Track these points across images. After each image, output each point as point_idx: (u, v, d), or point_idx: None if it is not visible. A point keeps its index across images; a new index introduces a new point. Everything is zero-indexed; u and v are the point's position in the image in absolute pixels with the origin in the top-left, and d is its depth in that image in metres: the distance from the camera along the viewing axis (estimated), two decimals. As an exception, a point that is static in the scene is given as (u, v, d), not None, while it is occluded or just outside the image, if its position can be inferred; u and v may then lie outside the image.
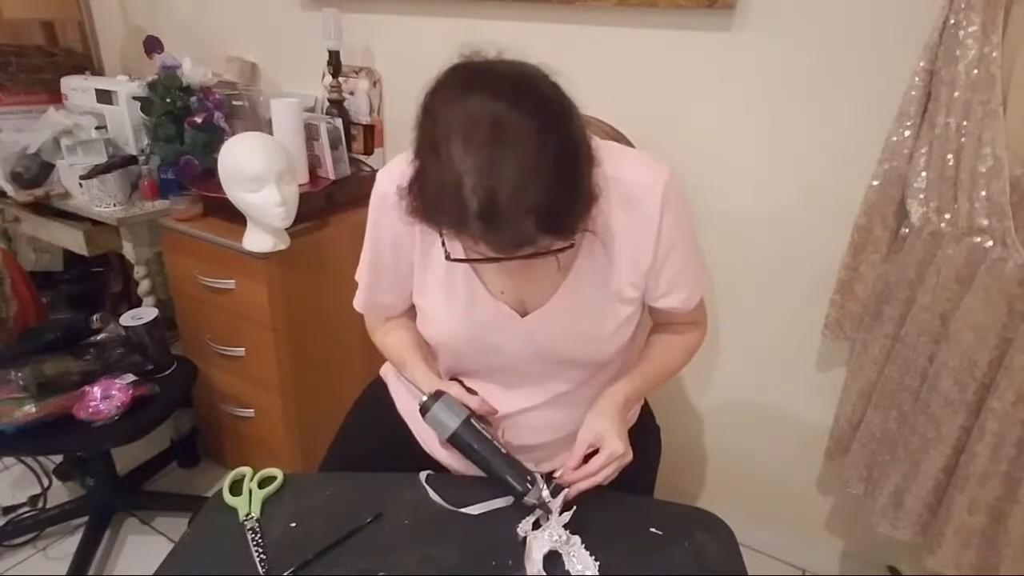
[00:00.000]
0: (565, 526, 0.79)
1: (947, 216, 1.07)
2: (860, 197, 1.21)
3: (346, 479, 0.94)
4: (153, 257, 1.74)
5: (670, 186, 0.83)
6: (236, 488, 0.88)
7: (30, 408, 1.36)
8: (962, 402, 1.08)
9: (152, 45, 1.74)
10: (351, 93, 1.77)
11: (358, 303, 1.01)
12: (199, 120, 1.64)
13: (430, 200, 0.67)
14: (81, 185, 1.60)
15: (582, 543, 0.79)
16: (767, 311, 1.46)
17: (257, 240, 1.43)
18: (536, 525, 0.81)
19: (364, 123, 1.79)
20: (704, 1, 1.27)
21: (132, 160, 1.67)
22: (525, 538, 0.79)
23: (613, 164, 0.76)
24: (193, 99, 1.68)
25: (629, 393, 0.91)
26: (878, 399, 1.23)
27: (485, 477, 0.88)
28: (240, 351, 1.60)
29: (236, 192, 1.38)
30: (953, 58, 1.01)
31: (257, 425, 1.69)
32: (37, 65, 2.01)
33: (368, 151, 1.81)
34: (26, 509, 1.69)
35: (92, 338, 1.59)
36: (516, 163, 0.61)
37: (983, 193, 1.01)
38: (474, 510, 0.85)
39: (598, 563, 0.76)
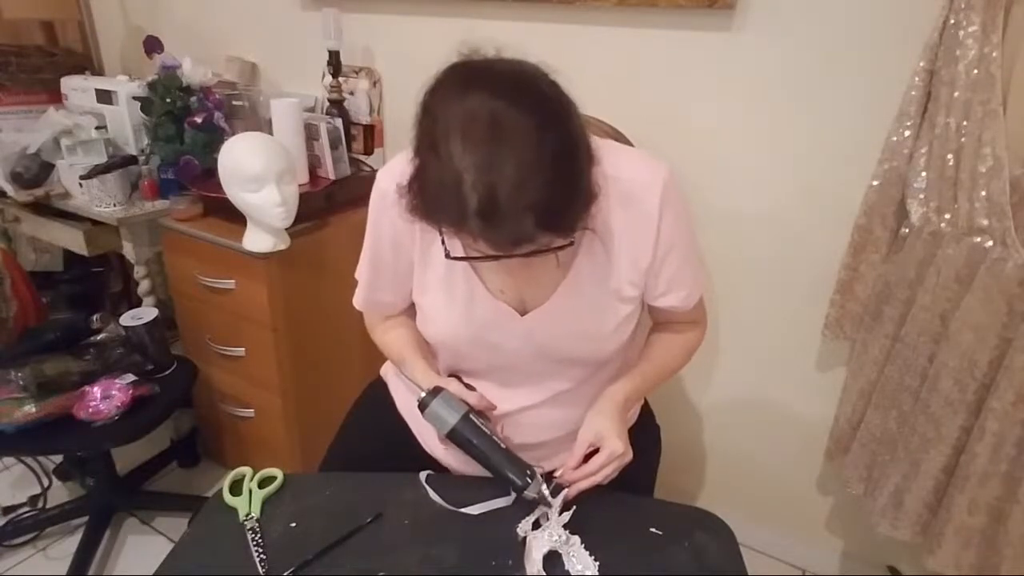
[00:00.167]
0: (565, 526, 0.79)
1: (947, 216, 1.07)
2: (860, 197, 1.21)
3: (346, 479, 0.94)
4: (153, 257, 1.74)
5: (669, 184, 0.83)
6: (236, 488, 0.88)
7: (30, 408, 1.36)
8: (962, 402, 1.08)
9: (152, 45, 1.74)
10: (351, 93, 1.77)
11: (358, 301, 1.01)
12: (199, 120, 1.64)
13: (430, 198, 0.67)
14: (81, 185, 1.60)
15: (582, 543, 0.79)
16: (767, 311, 1.46)
17: (257, 240, 1.43)
18: (536, 525, 0.81)
19: (364, 123, 1.79)
20: (704, 1, 1.27)
21: (132, 160, 1.67)
22: (525, 538, 0.79)
23: (612, 162, 0.76)
24: (193, 99, 1.68)
25: (629, 392, 0.91)
26: (878, 399, 1.23)
27: (485, 477, 0.88)
28: (240, 351, 1.60)
29: (236, 192, 1.38)
30: (953, 58, 1.01)
31: (257, 425, 1.69)
32: (37, 65, 2.01)
33: (368, 151, 1.81)
34: (26, 509, 1.69)
35: (92, 338, 1.59)
36: (515, 161, 0.61)
37: (983, 193, 1.01)
38: (474, 510, 0.85)
39: (598, 563, 0.76)
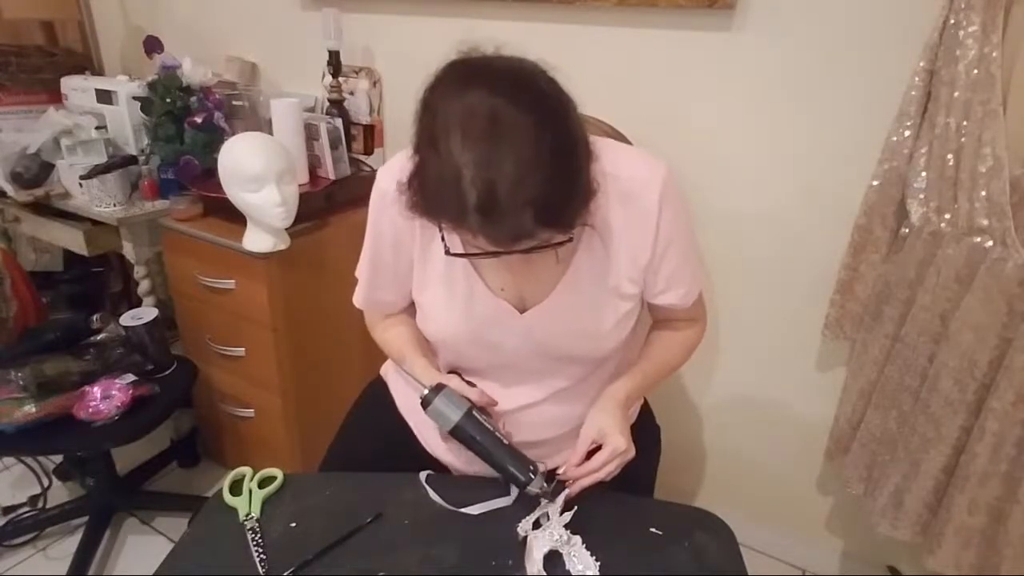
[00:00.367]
0: (566, 526, 0.79)
1: (947, 216, 1.07)
2: (860, 197, 1.21)
3: (346, 479, 0.94)
4: (153, 257, 1.74)
5: (668, 182, 0.84)
6: (236, 488, 0.88)
7: (30, 408, 1.36)
8: (962, 402, 1.08)
9: (152, 45, 1.74)
10: (351, 93, 1.77)
11: (358, 299, 1.02)
12: (199, 120, 1.64)
13: (429, 194, 0.67)
14: (81, 185, 1.60)
15: (582, 543, 0.79)
16: (767, 311, 1.46)
17: (257, 240, 1.43)
18: (536, 525, 0.81)
19: (364, 123, 1.79)
20: (704, 1, 1.27)
21: (132, 160, 1.67)
22: (525, 538, 0.79)
23: (611, 160, 0.76)
24: (193, 99, 1.68)
25: (631, 390, 0.92)
26: (878, 399, 1.23)
27: (485, 477, 0.88)
28: (240, 351, 1.60)
29: (236, 192, 1.38)
30: (953, 58, 1.01)
31: (257, 425, 1.69)
32: (37, 65, 2.01)
33: (368, 151, 1.81)
34: (26, 509, 1.69)
35: (92, 338, 1.59)
36: (514, 157, 0.62)
37: (983, 193, 1.01)
38: (474, 510, 0.85)
39: (598, 563, 0.76)
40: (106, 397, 1.42)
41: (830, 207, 1.29)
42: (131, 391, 1.45)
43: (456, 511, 0.85)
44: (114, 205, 1.60)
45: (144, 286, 1.75)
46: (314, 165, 1.62)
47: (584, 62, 1.41)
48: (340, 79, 1.71)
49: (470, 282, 0.87)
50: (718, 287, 1.49)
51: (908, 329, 1.14)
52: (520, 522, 0.81)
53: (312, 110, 1.79)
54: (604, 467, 0.83)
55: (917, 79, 1.08)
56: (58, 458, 1.82)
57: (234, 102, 1.77)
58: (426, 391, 0.86)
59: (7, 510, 1.68)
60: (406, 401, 1.05)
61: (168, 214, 1.61)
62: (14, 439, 1.37)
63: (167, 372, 1.61)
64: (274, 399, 1.61)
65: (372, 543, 0.81)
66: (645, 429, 1.06)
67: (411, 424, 1.04)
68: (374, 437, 1.07)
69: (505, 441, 0.85)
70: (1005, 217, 0.99)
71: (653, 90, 1.41)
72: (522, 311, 0.87)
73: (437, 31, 1.61)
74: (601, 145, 0.73)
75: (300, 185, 1.49)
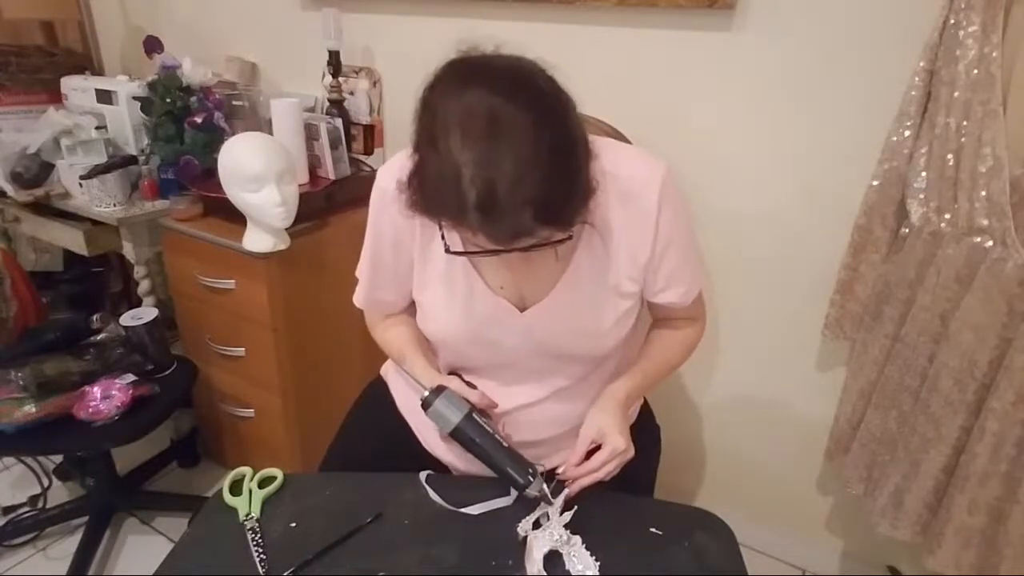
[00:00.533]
0: (566, 526, 0.79)
1: (947, 216, 1.07)
2: (860, 197, 1.21)
3: (346, 479, 0.94)
4: (153, 257, 1.74)
5: (667, 181, 0.84)
6: (236, 488, 0.88)
7: (30, 408, 1.36)
8: (962, 402, 1.08)
9: (152, 45, 1.74)
10: (351, 93, 1.77)
11: (358, 299, 1.02)
12: (199, 120, 1.64)
13: (429, 192, 0.67)
14: (81, 185, 1.60)
15: (583, 543, 0.79)
16: (767, 311, 1.46)
17: (257, 240, 1.43)
18: (536, 525, 0.81)
19: (364, 123, 1.79)
20: (704, 1, 1.27)
21: (132, 160, 1.67)
22: (525, 538, 0.79)
23: (611, 159, 0.76)
24: (193, 99, 1.68)
25: (630, 390, 0.92)
26: (878, 399, 1.23)
27: (485, 477, 0.88)
28: (240, 351, 1.60)
29: (236, 192, 1.38)
30: (953, 58, 1.01)
31: (257, 425, 1.69)
32: (37, 65, 2.01)
33: (368, 151, 1.81)
34: (26, 509, 1.69)
35: (92, 338, 1.59)
36: (513, 156, 0.62)
37: (983, 193, 1.01)
38: (474, 510, 0.85)
39: (598, 563, 0.76)
40: (106, 397, 1.42)
41: (830, 207, 1.29)
42: (131, 391, 1.45)
43: (456, 511, 0.85)
44: (114, 205, 1.60)
45: (144, 286, 1.75)
46: (314, 165, 1.62)
47: (584, 62, 1.41)
48: (340, 79, 1.71)
49: (470, 281, 0.87)
50: (718, 287, 1.49)
51: (908, 329, 1.14)
52: (520, 522, 0.81)
53: (312, 110, 1.79)
54: (603, 467, 0.83)
55: (917, 79, 1.08)
56: (58, 458, 1.82)
57: (234, 102, 1.77)
58: (427, 393, 0.86)
59: (7, 510, 1.68)
60: (406, 401, 1.05)
61: (168, 214, 1.61)
62: (14, 439, 1.37)
63: (167, 372, 1.61)
64: (274, 399, 1.61)
65: (372, 543, 0.81)
66: (645, 429, 1.06)
67: (411, 424, 1.04)
68: (374, 437, 1.07)
69: (505, 444, 0.85)
70: (1005, 217, 0.99)
71: (653, 90, 1.41)
72: (522, 310, 0.87)
73: (437, 31, 1.61)
74: (601, 144, 0.73)
75: (300, 185, 1.49)
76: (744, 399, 1.56)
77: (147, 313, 1.60)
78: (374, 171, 1.56)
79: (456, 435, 0.85)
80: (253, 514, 0.84)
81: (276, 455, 1.68)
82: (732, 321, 1.50)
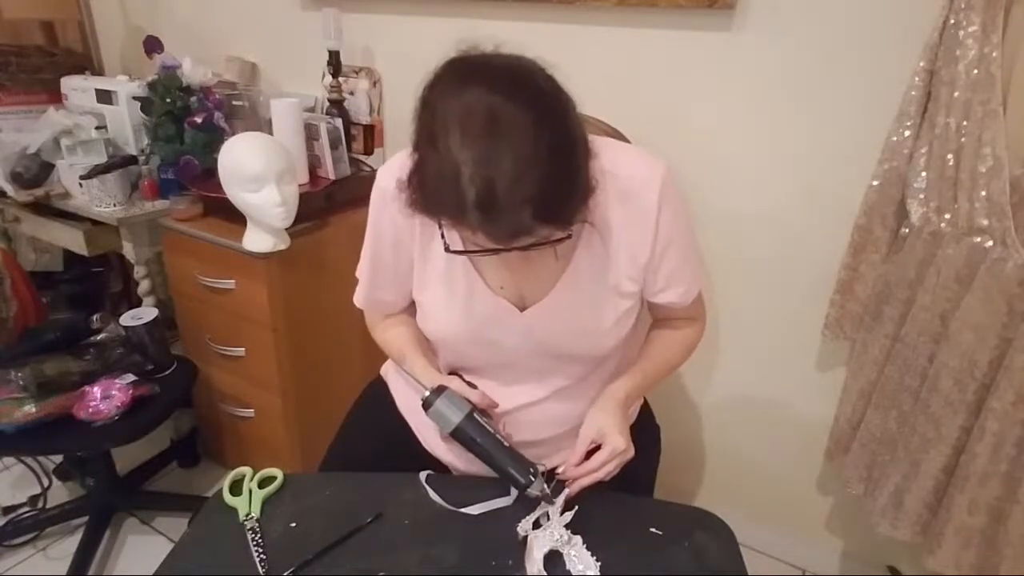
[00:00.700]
0: (566, 526, 0.79)
1: (947, 216, 1.07)
2: (860, 197, 1.21)
3: (346, 479, 0.94)
4: (153, 257, 1.74)
5: (667, 181, 0.84)
6: (236, 488, 0.88)
7: (30, 408, 1.36)
8: (962, 402, 1.08)
9: (152, 45, 1.74)
10: (351, 93, 1.77)
11: (358, 299, 1.02)
12: (199, 120, 1.64)
13: (429, 191, 0.67)
14: (81, 185, 1.60)
15: (583, 543, 0.78)
16: (767, 311, 1.46)
17: (257, 240, 1.43)
18: (536, 525, 0.81)
19: (364, 123, 1.79)
20: (704, 1, 1.27)
21: (132, 160, 1.67)
22: (525, 538, 0.79)
23: (610, 159, 0.76)
24: (193, 99, 1.68)
25: (630, 390, 0.92)
26: (878, 399, 1.23)
27: (485, 477, 0.88)
28: (240, 351, 1.60)
29: (236, 192, 1.38)
30: (953, 58, 1.01)
31: (257, 425, 1.69)
32: (37, 65, 2.01)
33: (368, 151, 1.81)
34: (26, 509, 1.69)
35: (92, 338, 1.59)
36: (512, 155, 0.62)
37: (983, 193, 1.01)
38: (474, 510, 0.85)
39: (599, 563, 0.76)
40: (106, 397, 1.42)
41: (830, 207, 1.29)
42: (131, 391, 1.45)
43: (456, 511, 0.85)
44: (114, 205, 1.60)
45: (144, 286, 1.75)
46: (314, 165, 1.62)
47: (584, 62, 1.41)
48: (340, 79, 1.71)
49: (470, 280, 0.87)
50: (718, 287, 1.49)
51: (908, 329, 1.14)
52: (520, 522, 0.81)
53: (312, 110, 1.79)
54: (603, 467, 0.83)
55: (917, 79, 1.08)
56: (58, 458, 1.82)
57: (234, 102, 1.77)
58: (427, 393, 0.86)
59: (7, 510, 1.68)
60: (406, 401, 1.05)
61: (168, 214, 1.61)
62: (14, 439, 1.37)
63: (167, 372, 1.61)
64: (274, 399, 1.61)
65: (372, 543, 0.81)
66: (645, 429, 1.06)
67: (411, 424, 1.04)
68: (374, 437, 1.07)
69: (505, 443, 0.85)
70: (1005, 217, 0.99)
71: (653, 90, 1.41)
72: (522, 309, 0.87)
73: (437, 31, 1.61)
74: (600, 144, 0.73)
75: (300, 185, 1.49)
76: (744, 399, 1.56)
77: (147, 313, 1.60)
78: (374, 171, 1.56)
79: (457, 435, 0.85)
80: (253, 514, 0.84)
81: (276, 455, 1.68)
82: (732, 321, 1.50)
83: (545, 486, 0.82)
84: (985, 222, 1.01)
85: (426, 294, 0.92)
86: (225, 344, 1.61)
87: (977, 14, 0.97)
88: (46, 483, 1.73)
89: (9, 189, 1.66)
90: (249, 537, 0.81)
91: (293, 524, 0.84)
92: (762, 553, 1.64)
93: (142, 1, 2.14)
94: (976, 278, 1.03)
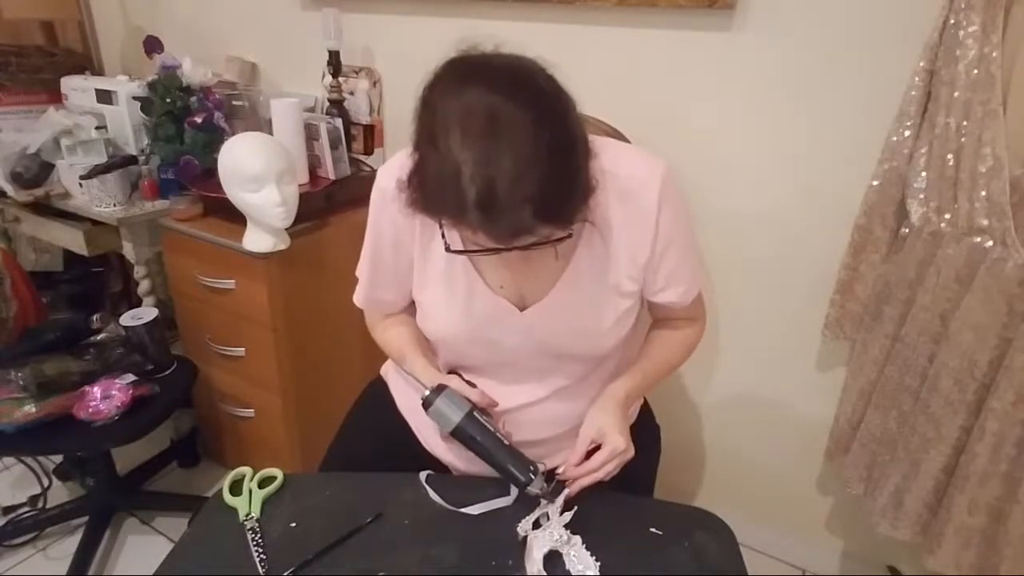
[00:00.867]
0: (566, 526, 0.79)
1: (947, 216, 1.07)
2: (860, 197, 1.21)
3: (346, 479, 0.94)
4: (153, 257, 1.74)
5: (667, 181, 0.84)
6: (236, 488, 0.88)
7: (30, 408, 1.36)
8: (962, 402, 1.08)
9: (152, 45, 1.74)
10: (351, 93, 1.77)
11: (358, 299, 1.02)
12: (199, 120, 1.64)
13: (429, 191, 0.68)
14: (81, 185, 1.60)
15: (583, 543, 0.78)
16: (767, 311, 1.46)
17: (257, 240, 1.43)
18: (536, 525, 0.81)
19: (364, 123, 1.79)
20: (704, 1, 1.27)
21: (132, 160, 1.67)
22: (525, 538, 0.79)
23: (610, 158, 0.77)
24: (193, 99, 1.68)
25: (630, 390, 0.92)
26: (878, 399, 1.23)
27: (485, 477, 0.88)
28: (240, 351, 1.60)
29: (236, 192, 1.38)
30: (953, 58, 1.01)
31: (257, 425, 1.69)
32: (37, 65, 2.01)
33: (368, 151, 1.81)
34: (26, 509, 1.69)
35: (92, 338, 1.59)
36: (512, 154, 0.62)
37: (983, 193, 1.01)
38: (474, 510, 0.85)
39: (598, 563, 0.76)
40: (106, 397, 1.42)
41: (830, 207, 1.29)
42: (131, 391, 1.45)
43: (456, 511, 0.85)
44: (114, 205, 1.60)
45: (144, 286, 1.75)
46: (314, 165, 1.62)
47: (584, 62, 1.41)
48: (340, 79, 1.71)
49: (470, 280, 0.87)
50: (718, 287, 1.49)
51: (908, 329, 1.14)
52: (520, 522, 0.81)
53: (312, 110, 1.79)
54: (603, 467, 0.83)
55: (917, 79, 1.08)
56: (58, 458, 1.82)
57: (234, 102, 1.77)
58: (427, 392, 0.86)
59: (7, 510, 1.68)
60: (406, 401, 1.05)
61: (168, 214, 1.61)
62: (14, 439, 1.37)
63: (167, 372, 1.61)
64: (274, 399, 1.61)
65: (372, 543, 0.81)
66: (645, 429, 1.06)
67: (411, 424, 1.04)
68: (374, 437, 1.07)
69: (505, 442, 0.85)
70: (1005, 217, 0.99)
71: (653, 90, 1.41)
72: (522, 309, 0.87)
73: (437, 31, 1.61)
74: (600, 143, 0.73)
75: (300, 185, 1.49)
76: (744, 399, 1.56)
77: (147, 313, 1.60)
78: (374, 171, 1.56)
79: (457, 434, 0.85)
80: (253, 514, 0.84)
81: (276, 455, 1.68)
82: (732, 321, 1.50)
83: (545, 484, 0.82)
84: (985, 222, 1.01)
85: (426, 294, 0.92)
86: (225, 344, 1.61)
87: (977, 14, 0.97)
88: (46, 483, 1.73)
89: (9, 189, 1.66)
90: (249, 537, 0.81)
91: (293, 524, 0.84)
92: (762, 553, 1.64)
93: (142, 1, 2.14)
94: (976, 278, 1.03)
